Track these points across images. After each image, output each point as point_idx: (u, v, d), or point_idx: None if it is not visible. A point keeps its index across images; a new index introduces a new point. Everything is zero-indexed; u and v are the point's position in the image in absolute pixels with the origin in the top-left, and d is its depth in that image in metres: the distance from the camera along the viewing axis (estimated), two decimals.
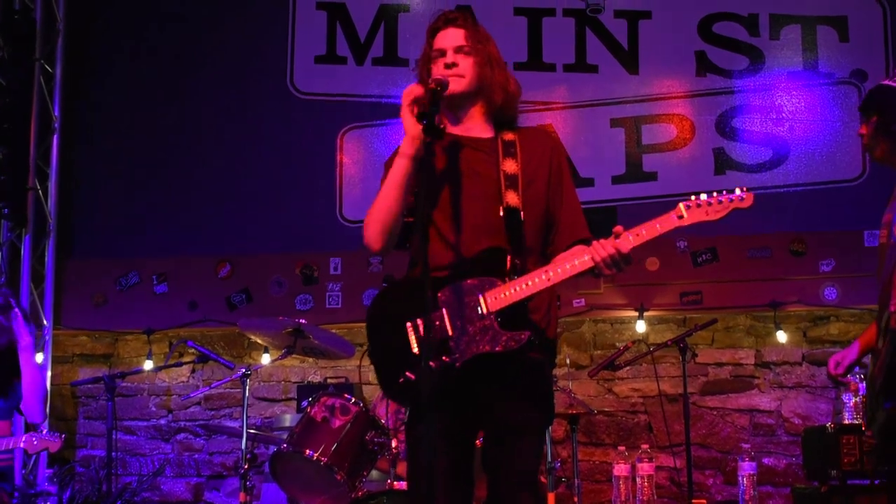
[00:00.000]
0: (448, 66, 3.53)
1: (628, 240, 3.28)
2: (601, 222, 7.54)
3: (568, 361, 7.39)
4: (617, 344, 7.58)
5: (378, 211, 3.49)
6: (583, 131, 7.90)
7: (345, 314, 7.79)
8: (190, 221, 8.15)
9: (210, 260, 8.04)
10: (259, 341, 6.65)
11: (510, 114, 3.67)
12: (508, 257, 3.39)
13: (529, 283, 3.34)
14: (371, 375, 3.63)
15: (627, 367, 6.68)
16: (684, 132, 7.78)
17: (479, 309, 3.34)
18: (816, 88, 7.78)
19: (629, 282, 7.52)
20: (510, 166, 3.51)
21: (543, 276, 3.35)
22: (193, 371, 8.23)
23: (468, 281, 3.36)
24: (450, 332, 3.34)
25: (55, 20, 8.44)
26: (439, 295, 3.38)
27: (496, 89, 3.59)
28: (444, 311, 3.37)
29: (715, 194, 3.31)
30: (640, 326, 7.56)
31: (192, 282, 8.05)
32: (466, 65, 3.55)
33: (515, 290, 3.34)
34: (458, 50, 3.57)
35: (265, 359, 7.69)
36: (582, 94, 7.91)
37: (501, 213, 3.45)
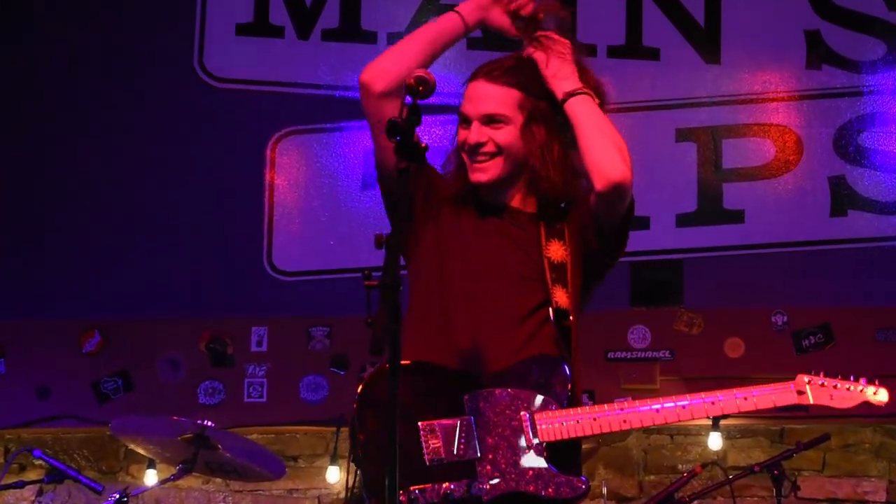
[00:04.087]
0: (472, 152, 3.80)
1: (734, 402, 3.74)
2: (659, 283, 7.55)
3: (605, 491, 7.38)
4: (679, 466, 7.67)
5: (397, 49, 3.95)
6: (635, 146, 7.74)
7: (272, 412, 7.79)
8: (43, 270, 8.19)
9: (71, 326, 8.07)
10: (141, 451, 6.61)
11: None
12: (568, 375, 3.66)
13: (600, 419, 3.64)
14: None
15: (696, 502, 6.67)
16: (787, 152, 7.81)
17: (524, 432, 3.58)
18: None
19: (699, 373, 7.54)
20: (557, 252, 3.82)
21: (621, 418, 3.65)
22: (41, 493, 8.16)
23: (508, 389, 3.61)
24: (478, 453, 3.57)
25: None
26: (465, 398, 3.62)
27: (546, 180, 3.84)
28: (471, 420, 3.59)
29: (839, 377, 3.82)
30: (715, 441, 7.50)
31: (42, 358, 8.06)
32: (497, 142, 3.81)
33: (578, 422, 3.62)
34: (486, 121, 3.81)
35: (150, 478, 7.60)
36: (635, 92, 7.90)
37: (552, 315, 3.74)
